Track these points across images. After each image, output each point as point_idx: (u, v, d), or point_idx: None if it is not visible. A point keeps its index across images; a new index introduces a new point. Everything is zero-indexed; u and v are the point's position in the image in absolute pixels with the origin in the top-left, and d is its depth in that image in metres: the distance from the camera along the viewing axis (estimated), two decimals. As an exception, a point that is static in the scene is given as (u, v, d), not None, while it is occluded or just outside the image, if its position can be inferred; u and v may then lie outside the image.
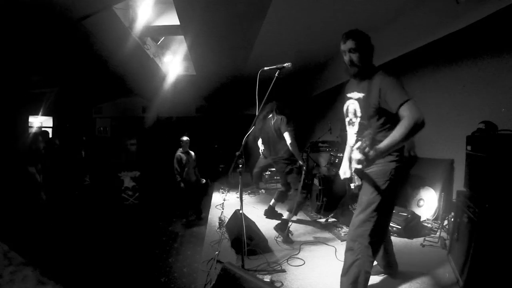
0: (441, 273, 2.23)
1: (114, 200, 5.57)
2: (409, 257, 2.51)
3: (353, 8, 3.63)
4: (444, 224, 3.15)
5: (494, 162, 1.91)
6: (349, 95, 1.87)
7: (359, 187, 1.81)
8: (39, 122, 8.56)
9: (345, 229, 3.35)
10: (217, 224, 3.58)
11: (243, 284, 1.52)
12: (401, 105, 1.52)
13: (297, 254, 2.74)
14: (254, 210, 4.42)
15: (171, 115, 9.93)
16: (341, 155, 4.36)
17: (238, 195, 5.26)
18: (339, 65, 4.58)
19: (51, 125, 8.90)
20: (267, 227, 3.39)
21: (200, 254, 2.97)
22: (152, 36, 5.13)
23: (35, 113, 7.80)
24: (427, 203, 3.53)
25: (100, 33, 4.13)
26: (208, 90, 8.53)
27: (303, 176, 3.29)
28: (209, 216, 4.20)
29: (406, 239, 3.00)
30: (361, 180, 1.81)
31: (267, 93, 2.10)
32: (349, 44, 1.71)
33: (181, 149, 4.45)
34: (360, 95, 1.76)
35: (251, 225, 2.93)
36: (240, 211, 2.35)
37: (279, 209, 3.92)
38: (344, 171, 1.95)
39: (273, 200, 3.92)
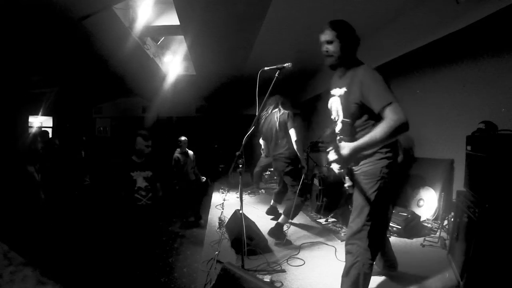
0: (441, 273, 2.23)
1: (127, 200, 5.57)
2: (409, 257, 2.51)
3: (353, 8, 3.62)
4: (444, 224, 3.15)
5: (494, 162, 1.90)
6: (332, 92, 1.80)
7: (352, 187, 1.74)
8: (39, 122, 8.57)
9: (345, 229, 3.34)
10: (217, 224, 3.58)
11: (243, 284, 1.52)
12: (385, 106, 1.43)
13: (297, 254, 2.74)
14: (254, 210, 4.42)
15: (171, 115, 9.93)
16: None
17: (238, 195, 5.25)
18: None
19: (51, 125, 8.92)
20: (267, 227, 3.37)
21: (200, 254, 2.97)
22: (152, 36, 5.12)
23: (35, 113, 7.81)
24: (427, 203, 3.53)
25: (100, 33, 4.13)
26: (208, 90, 8.51)
27: (302, 178, 3.16)
28: (209, 216, 4.20)
29: (406, 239, 3.00)
30: (352, 180, 1.73)
31: (267, 93, 2.09)
32: (327, 34, 1.64)
33: (179, 149, 4.44)
34: (341, 91, 1.69)
35: (251, 225, 2.93)
36: (240, 211, 2.35)
37: (280, 209, 3.91)
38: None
39: (272, 201, 3.94)
